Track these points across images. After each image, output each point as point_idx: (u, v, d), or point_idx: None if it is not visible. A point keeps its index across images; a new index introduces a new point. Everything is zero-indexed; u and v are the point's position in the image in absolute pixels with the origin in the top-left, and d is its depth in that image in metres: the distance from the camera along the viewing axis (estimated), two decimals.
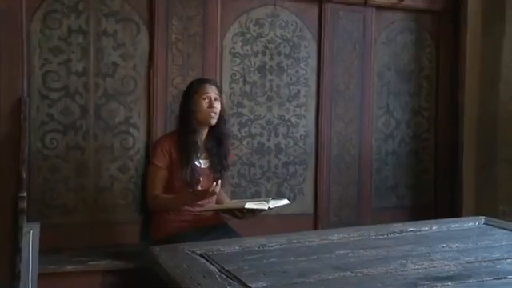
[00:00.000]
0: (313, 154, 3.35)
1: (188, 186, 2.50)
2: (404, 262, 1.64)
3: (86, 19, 2.85)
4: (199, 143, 2.58)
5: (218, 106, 2.58)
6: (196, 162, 2.56)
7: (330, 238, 1.97)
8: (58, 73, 2.82)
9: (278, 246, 1.89)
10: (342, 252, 1.76)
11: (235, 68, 3.18)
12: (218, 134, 2.63)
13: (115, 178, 2.92)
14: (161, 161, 2.54)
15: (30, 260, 2.39)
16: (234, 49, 3.17)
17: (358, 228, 1.98)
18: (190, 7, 3.01)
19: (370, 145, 3.47)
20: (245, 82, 3.20)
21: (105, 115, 2.90)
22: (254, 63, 3.21)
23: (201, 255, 1.76)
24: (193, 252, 1.79)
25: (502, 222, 2.23)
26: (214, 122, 2.58)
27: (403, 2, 3.46)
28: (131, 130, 2.95)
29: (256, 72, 3.22)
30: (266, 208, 2.41)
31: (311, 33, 3.33)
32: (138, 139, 2.96)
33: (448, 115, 3.66)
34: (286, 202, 2.56)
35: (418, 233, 2.04)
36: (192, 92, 2.58)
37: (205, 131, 2.62)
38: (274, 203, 2.47)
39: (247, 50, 3.19)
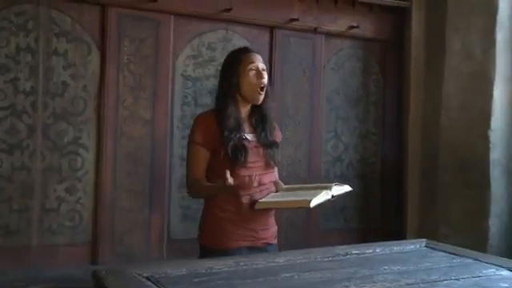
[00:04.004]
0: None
1: (234, 163, 2.13)
2: (347, 284, 1.67)
3: (35, 38, 2.82)
4: (243, 117, 2.22)
5: (266, 78, 2.21)
6: (242, 137, 2.18)
7: (276, 260, 1.98)
8: (5, 91, 2.78)
9: (225, 269, 1.89)
10: (287, 275, 1.78)
11: (187, 91, 3.20)
12: (263, 109, 2.25)
13: (62, 199, 2.88)
14: (201, 137, 2.17)
15: None
16: (186, 71, 3.20)
17: (304, 250, 2.00)
18: (143, 29, 3.03)
19: (318, 168, 3.54)
20: (196, 104, 3.22)
21: (53, 135, 2.86)
22: (206, 86, 3.25)
23: (147, 278, 1.75)
24: (139, 275, 1.77)
25: (441, 244, 2.30)
26: (261, 99, 2.20)
27: (351, 31, 3.58)
28: (80, 150, 2.92)
29: (208, 95, 3.25)
30: (330, 197, 2.15)
31: (263, 58, 3.38)
32: (87, 160, 2.93)
33: (394, 140, 3.79)
34: (348, 188, 2.28)
35: (362, 255, 2.08)
36: (235, 62, 2.21)
37: (248, 107, 2.24)
38: (336, 190, 2.20)
39: (199, 73, 3.23)
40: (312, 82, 3.51)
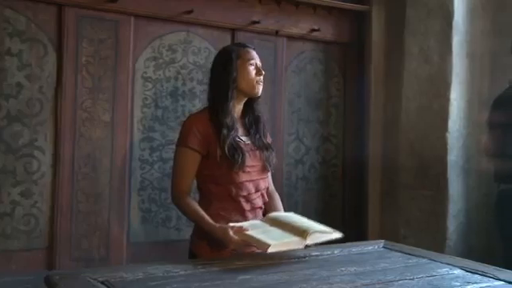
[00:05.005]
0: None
1: (231, 164, 2.08)
2: (304, 286, 1.68)
3: None
4: (236, 117, 2.17)
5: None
6: (237, 138, 2.13)
7: (235, 263, 1.98)
8: None
9: (182, 273, 1.88)
10: (245, 277, 1.78)
11: (147, 92, 3.16)
12: (255, 110, 2.23)
13: (17, 203, 2.81)
14: (194, 140, 2.08)
15: None
16: (146, 73, 3.16)
17: (263, 253, 2.00)
18: (102, 30, 2.98)
19: (280, 170, 3.55)
20: (157, 106, 3.19)
21: (7, 137, 2.78)
22: (167, 88, 3.22)
23: (102, 282, 1.72)
24: (94, 279, 1.74)
25: (399, 245, 2.34)
26: (260, 90, 2.19)
27: (312, 34, 3.61)
28: (36, 153, 2.85)
29: (168, 97, 3.22)
30: (302, 247, 1.95)
31: None
32: (43, 163, 2.87)
33: (355, 142, 3.83)
34: (334, 236, 2.03)
35: (321, 257, 2.10)
36: (233, 57, 2.15)
37: (241, 106, 2.21)
38: (315, 238, 1.97)
39: (159, 75, 3.20)
40: (274, 85, 3.52)
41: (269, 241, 1.89)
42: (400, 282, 1.71)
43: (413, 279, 1.74)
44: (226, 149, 2.07)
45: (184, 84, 3.27)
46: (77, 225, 2.92)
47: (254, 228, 2.02)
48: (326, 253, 2.16)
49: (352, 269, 1.88)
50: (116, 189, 3.02)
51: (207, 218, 2.07)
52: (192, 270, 1.91)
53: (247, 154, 2.12)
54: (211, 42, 3.34)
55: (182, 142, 2.13)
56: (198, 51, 3.31)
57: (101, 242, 2.98)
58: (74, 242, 2.90)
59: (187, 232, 3.22)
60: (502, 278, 1.75)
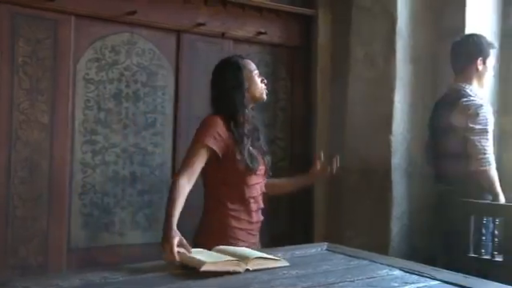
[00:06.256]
0: (169, 182, 3.31)
1: (247, 170, 2.32)
2: None
3: None
4: None
5: None
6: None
7: (176, 268, 1.95)
8: None
9: (120, 279, 1.83)
10: (184, 282, 1.75)
11: (89, 94, 3.08)
12: (252, 118, 2.49)
13: None
14: (213, 141, 2.26)
15: None
16: (88, 75, 3.07)
17: None
18: (40, 29, 2.88)
19: None
20: (99, 108, 3.11)
21: None
22: (110, 90, 3.14)
23: None
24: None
25: (342, 247, 2.36)
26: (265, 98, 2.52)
27: (259, 37, 3.60)
28: None
29: (111, 99, 3.14)
30: (242, 271, 1.84)
31: (169, 62, 3.33)
32: None
33: (301, 145, 3.84)
34: (277, 264, 1.92)
35: None
36: (240, 67, 2.41)
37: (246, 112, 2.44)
38: (256, 264, 1.87)
39: (102, 77, 3.11)
40: None
41: (204, 259, 1.82)
42: (340, 284, 1.72)
43: (353, 281, 1.75)
44: (246, 155, 2.30)
45: (128, 86, 3.20)
46: (13, 231, 2.80)
47: (198, 254, 1.96)
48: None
49: (294, 272, 1.88)
50: (56, 193, 2.92)
51: (177, 212, 2.12)
52: (131, 276, 1.87)
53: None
54: (156, 43, 3.28)
55: (200, 139, 2.29)
56: (142, 53, 3.24)
57: (39, 248, 2.87)
58: (10, 249, 2.79)
59: (131, 237, 3.17)
60: (438, 277, 1.78)
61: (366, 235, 3.44)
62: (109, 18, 3.09)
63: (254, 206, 2.41)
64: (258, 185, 2.44)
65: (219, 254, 1.95)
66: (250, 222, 2.41)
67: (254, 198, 2.41)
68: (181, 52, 3.35)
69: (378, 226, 3.43)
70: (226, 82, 2.40)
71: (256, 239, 2.49)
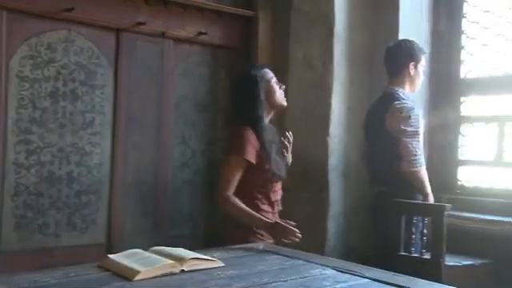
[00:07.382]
0: (107, 182, 3.28)
1: (275, 176, 2.63)
2: None
3: None
4: None
5: None
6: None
7: (112, 269, 1.93)
8: None
9: (52, 281, 1.80)
10: (118, 283, 1.74)
11: (23, 93, 2.99)
12: (270, 123, 2.80)
13: None
14: (251, 153, 2.53)
15: None
16: (23, 72, 2.99)
17: None
18: None
19: (166, 174, 3.51)
20: (35, 107, 3.03)
21: None
22: (46, 88, 3.06)
23: None
24: None
25: (278, 247, 2.40)
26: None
27: (200, 37, 3.60)
28: None
29: (47, 98, 3.07)
30: (177, 271, 1.83)
31: (108, 60, 3.28)
32: None
33: None
34: (213, 264, 1.93)
35: None
36: (265, 77, 2.70)
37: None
38: (192, 265, 1.87)
39: (38, 75, 3.04)
40: (160, 88, 3.47)
41: (138, 268, 1.78)
42: (274, 284, 1.75)
43: (286, 281, 1.79)
44: (273, 163, 2.59)
45: (65, 84, 3.13)
46: None
47: (131, 256, 1.94)
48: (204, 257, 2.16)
49: (229, 272, 1.90)
50: None
51: (254, 212, 2.57)
52: (63, 279, 1.84)
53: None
54: (95, 41, 3.23)
55: (237, 152, 2.55)
56: (80, 51, 3.18)
57: None
58: None
59: (67, 238, 3.11)
60: (367, 275, 1.85)
61: (303, 235, 3.49)
62: (45, 14, 3.01)
63: (276, 208, 2.76)
64: (279, 189, 2.80)
65: (154, 256, 1.94)
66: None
67: (277, 201, 2.76)
68: (120, 51, 3.31)
69: (315, 225, 3.50)
70: (246, 94, 2.66)
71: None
